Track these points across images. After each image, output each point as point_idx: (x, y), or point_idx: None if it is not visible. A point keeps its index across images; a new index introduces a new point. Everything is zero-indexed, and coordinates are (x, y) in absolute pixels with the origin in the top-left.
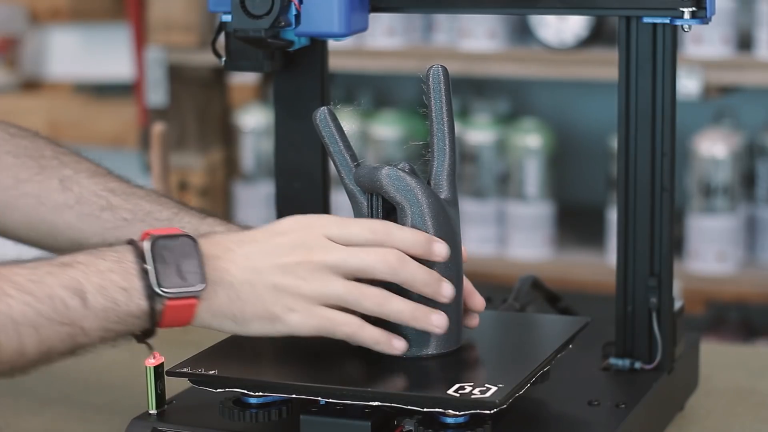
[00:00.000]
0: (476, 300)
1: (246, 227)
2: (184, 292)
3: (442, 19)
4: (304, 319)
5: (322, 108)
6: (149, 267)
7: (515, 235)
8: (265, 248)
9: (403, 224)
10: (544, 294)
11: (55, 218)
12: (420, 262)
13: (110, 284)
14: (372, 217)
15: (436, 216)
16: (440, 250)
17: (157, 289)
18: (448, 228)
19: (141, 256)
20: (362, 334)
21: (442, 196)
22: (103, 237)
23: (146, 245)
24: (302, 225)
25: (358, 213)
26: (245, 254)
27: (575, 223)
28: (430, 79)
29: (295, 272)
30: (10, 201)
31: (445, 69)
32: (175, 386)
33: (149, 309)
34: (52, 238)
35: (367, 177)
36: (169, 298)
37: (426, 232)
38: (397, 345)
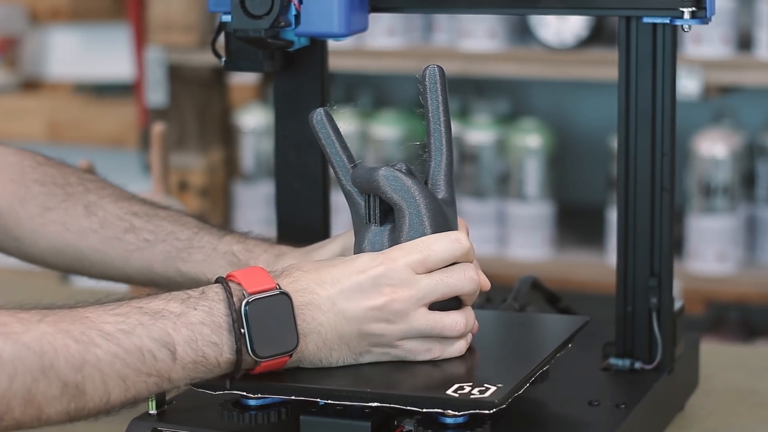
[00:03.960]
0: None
1: (261, 239)
2: (277, 354)
3: (442, 19)
4: (387, 352)
5: (318, 109)
6: (244, 331)
7: (515, 235)
8: (349, 289)
9: (401, 225)
10: (544, 294)
11: (80, 243)
12: None
13: (200, 337)
14: (369, 218)
15: (434, 216)
16: None
17: (251, 355)
18: (446, 228)
19: (232, 309)
20: (446, 355)
21: (440, 196)
22: (126, 259)
23: (242, 306)
24: (381, 259)
25: (355, 214)
26: (330, 298)
27: (575, 223)
28: (426, 79)
29: (379, 316)
30: (36, 229)
31: (441, 69)
32: None
33: (238, 363)
34: (78, 263)
35: (364, 178)
36: (262, 360)
37: (424, 232)
38: (470, 339)
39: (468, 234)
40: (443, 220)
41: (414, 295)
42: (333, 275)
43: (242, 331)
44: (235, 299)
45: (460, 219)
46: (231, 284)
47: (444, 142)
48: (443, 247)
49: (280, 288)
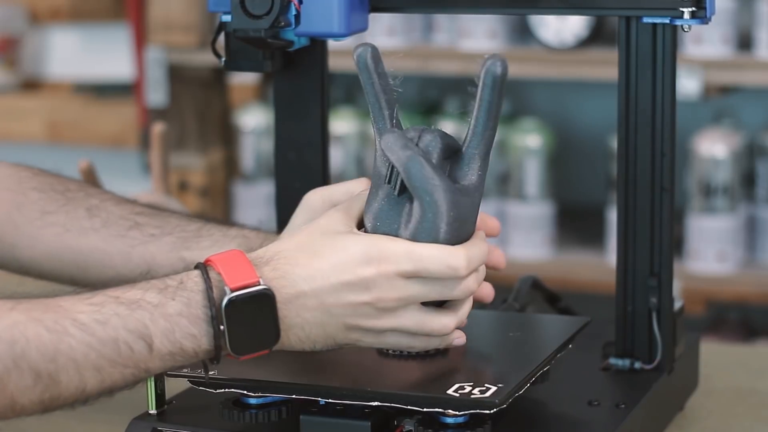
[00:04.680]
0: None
1: (264, 232)
2: (256, 350)
3: (442, 19)
4: (370, 343)
5: (364, 47)
6: (224, 328)
7: (515, 235)
8: (336, 286)
9: (415, 216)
10: (544, 294)
11: (80, 242)
12: None
13: (178, 329)
14: (389, 180)
15: (450, 223)
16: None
17: (230, 350)
18: (461, 235)
19: (212, 304)
20: (429, 347)
21: (466, 182)
22: (128, 255)
23: (222, 303)
24: (374, 258)
25: (378, 168)
26: (316, 294)
27: (575, 223)
28: (483, 75)
29: (365, 312)
30: (35, 233)
31: (504, 66)
32: (175, 386)
33: (217, 356)
34: (75, 265)
35: (393, 152)
36: (240, 356)
37: (435, 238)
38: (461, 338)
39: (496, 228)
40: (459, 228)
41: (402, 298)
42: (322, 270)
43: (221, 327)
44: (215, 292)
45: (489, 217)
46: (211, 273)
47: (491, 120)
48: (437, 269)
49: (262, 283)
